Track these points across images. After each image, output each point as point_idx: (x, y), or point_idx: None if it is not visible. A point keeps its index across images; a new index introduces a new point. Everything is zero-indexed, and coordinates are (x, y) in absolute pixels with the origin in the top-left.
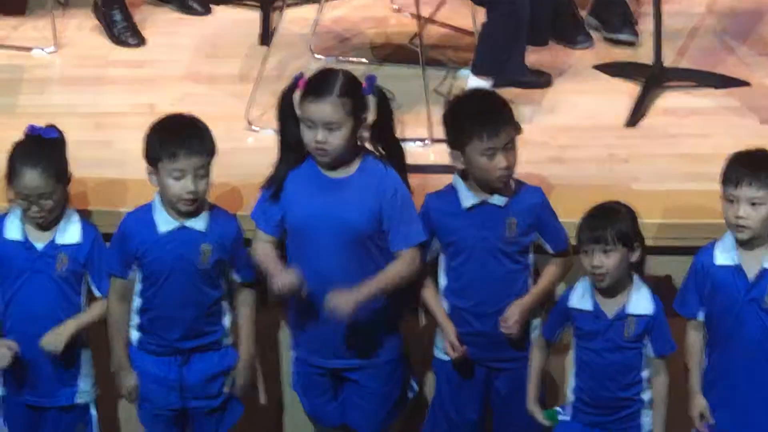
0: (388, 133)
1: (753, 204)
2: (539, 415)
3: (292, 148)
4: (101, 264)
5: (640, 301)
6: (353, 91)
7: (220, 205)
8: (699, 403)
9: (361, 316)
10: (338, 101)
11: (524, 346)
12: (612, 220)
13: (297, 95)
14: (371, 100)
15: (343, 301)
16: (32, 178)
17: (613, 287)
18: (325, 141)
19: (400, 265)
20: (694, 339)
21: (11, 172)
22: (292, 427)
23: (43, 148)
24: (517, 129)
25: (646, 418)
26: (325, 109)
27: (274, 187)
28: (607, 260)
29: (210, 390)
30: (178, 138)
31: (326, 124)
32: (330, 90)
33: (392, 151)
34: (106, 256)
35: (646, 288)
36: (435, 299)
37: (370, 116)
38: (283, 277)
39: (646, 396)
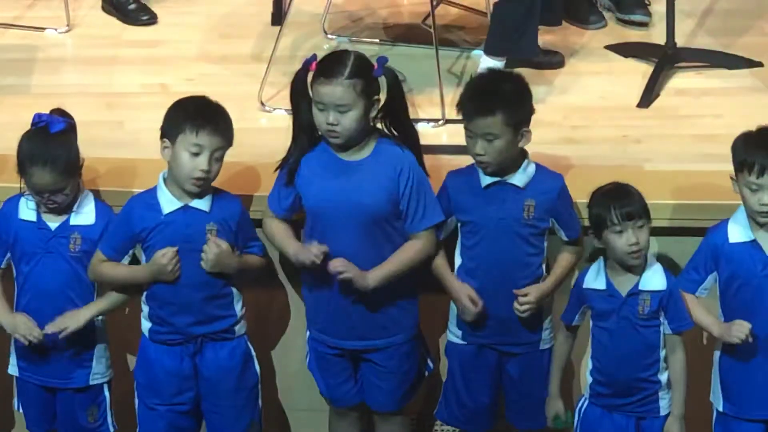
0: (401, 115)
1: None
2: (561, 414)
3: (306, 130)
4: None
5: (653, 278)
6: (364, 72)
7: (233, 185)
8: (727, 329)
9: (378, 296)
10: (349, 83)
11: (536, 331)
12: (634, 196)
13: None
14: (382, 82)
15: (359, 278)
16: (41, 176)
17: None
18: (336, 123)
19: (417, 247)
20: (694, 302)
21: (21, 168)
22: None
23: (51, 144)
24: (515, 122)
25: (664, 400)
26: (336, 90)
27: (287, 170)
28: (641, 235)
29: (224, 384)
30: (204, 114)
31: (337, 106)
32: (341, 71)
33: (406, 132)
34: (104, 236)
35: (658, 264)
36: (445, 266)
37: (383, 98)
38: (307, 252)
39: (663, 377)
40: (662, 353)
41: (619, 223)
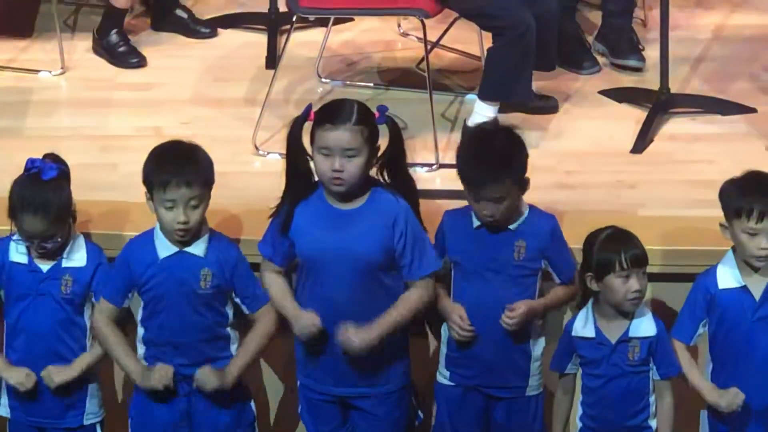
0: (400, 163)
1: None
2: None
3: (301, 180)
4: None
5: (642, 324)
6: (369, 119)
7: (226, 229)
8: (713, 394)
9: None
10: (357, 128)
11: (523, 376)
12: (638, 242)
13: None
14: (383, 130)
15: (357, 337)
16: (32, 223)
17: (613, 312)
18: (342, 169)
19: (414, 297)
20: (687, 356)
21: (12, 213)
22: None
23: (42, 191)
24: (521, 178)
25: None
26: (344, 135)
27: (282, 220)
28: (644, 282)
29: (217, 425)
30: (170, 167)
31: (344, 151)
32: (348, 117)
33: (404, 180)
34: (104, 280)
35: (647, 309)
36: (439, 289)
37: (382, 146)
38: (303, 321)
39: (654, 423)
40: (652, 399)
41: (627, 269)
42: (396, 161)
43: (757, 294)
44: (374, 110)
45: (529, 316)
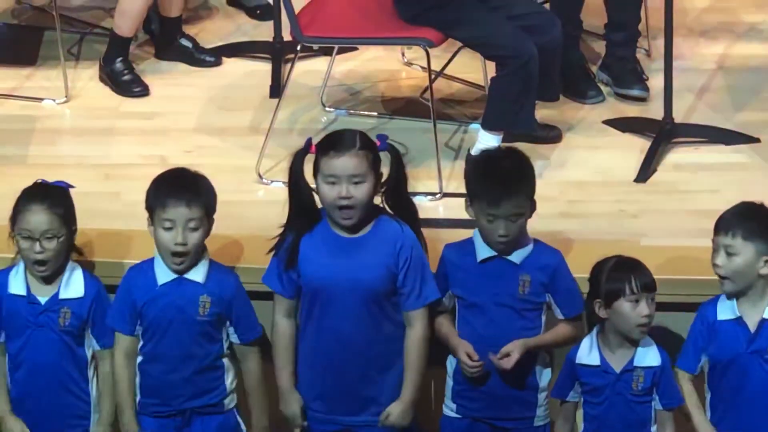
0: (402, 191)
1: (728, 253)
2: None
3: (305, 213)
4: (103, 318)
5: (647, 354)
6: (371, 146)
7: (229, 256)
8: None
9: (376, 373)
10: (362, 153)
11: (530, 407)
12: (646, 269)
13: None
14: (384, 158)
15: (399, 413)
16: (38, 214)
17: (618, 341)
18: (350, 196)
19: (422, 335)
20: (691, 390)
21: (16, 211)
22: None
23: (50, 190)
24: (532, 197)
25: None
26: (351, 162)
27: (288, 254)
28: (653, 308)
29: None
30: (171, 189)
31: (351, 177)
32: (352, 144)
33: (406, 208)
34: (110, 312)
35: (651, 340)
36: (448, 324)
37: (384, 173)
38: (290, 406)
39: None
40: (654, 429)
41: (637, 293)
42: (398, 187)
43: (752, 326)
44: (374, 138)
45: (521, 353)
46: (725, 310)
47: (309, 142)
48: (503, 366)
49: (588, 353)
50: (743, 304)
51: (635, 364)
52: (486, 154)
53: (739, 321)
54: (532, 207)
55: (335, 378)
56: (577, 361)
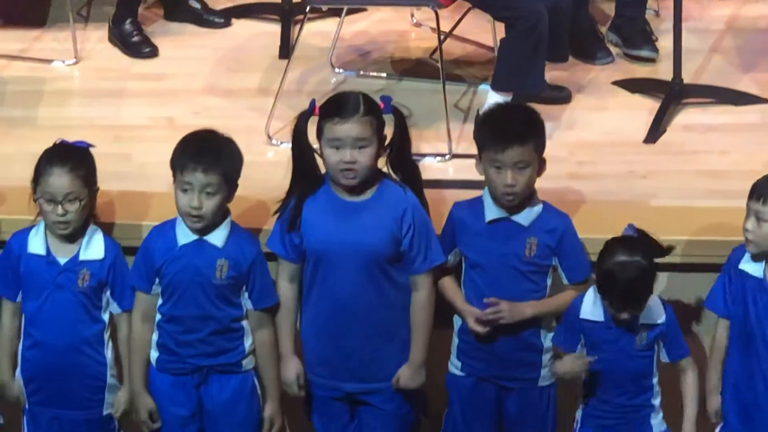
0: (406, 153)
1: (759, 219)
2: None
3: (308, 175)
4: (123, 281)
5: (651, 311)
6: (375, 110)
7: (237, 218)
8: (713, 404)
9: (379, 339)
10: (366, 119)
11: (534, 367)
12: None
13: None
14: (388, 120)
15: (410, 376)
16: (60, 177)
17: None
18: (354, 161)
19: (428, 298)
20: (721, 337)
21: (38, 174)
22: None
23: (72, 152)
24: (541, 151)
25: (656, 420)
26: (355, 127)
27: (291, 217)
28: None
29: (230, 418)
30: (191, 152)
31: (356, 142)
32: (356, 108)
33: (409, 170)
34: (130, 271)
35: (656, 297)
36: (453, 286)
37: (388, 135)
38: (289, 371)
39: (656, 401)
40: (655, 380)
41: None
42: (401, 150)
43: None
44: (378, 101)
45: (512, 317)
46: (748, 263)
47: (313, 103)
48: (485, 319)
49: (592, 308)
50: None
51: (640, 321)
52: (496, 105)
53: (762, 282)
54: (541, 164)
55: (338, 343)
56: (582, 316)
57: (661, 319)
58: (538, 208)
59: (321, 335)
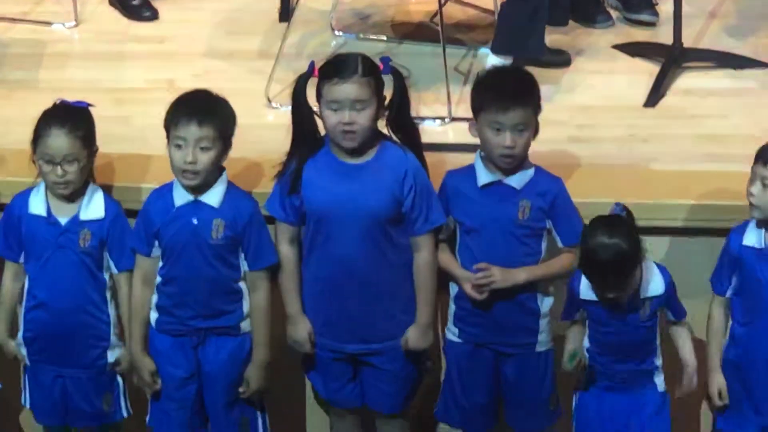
0: (405, 114)
1: (765, 185)
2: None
3: (308, 138)
4: (122, 241)
5: (651, 283)
6: (374, 71)
7: (237, 181)
8: (718, 381)
9: (380, 299)
10: (364, 80)
11: (532, 332)
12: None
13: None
14: (387, 81)
15: (419, 336)
16: (58, 137)
17: None
18: (352, 122)
19: (430, 258)
20: (718, 316)
21: (37, 135)
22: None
23: (71, 112)
24: (537, 114)
25: (659, 379)
26: (353, 88)
27: (291, 179)
28: None
29: (226, 379)
30: (184, 107)
31: (354, 104)
32: (355, 69)
33: (408, 132)
34: (130, 233)
35: (655, 267)
36: (448, 255)
37: (388, 97)
38: (298, 330)
39: (658, 361)
40: (658, 341)
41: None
42: (401, 111)
43: None
44: (378, 62)
45: (504, 282)
46: (752, 237)
47: (312, 65)
48: (473, 280)
49: (590, 289)
50: None
51: (642, 295)
52: (494, 68)
53: (764, 251)
54: (537, 127)
55: (338, 305)
56: (582, 297)
57: (662, 290)
58: (530, 171)
59: (322, 297)
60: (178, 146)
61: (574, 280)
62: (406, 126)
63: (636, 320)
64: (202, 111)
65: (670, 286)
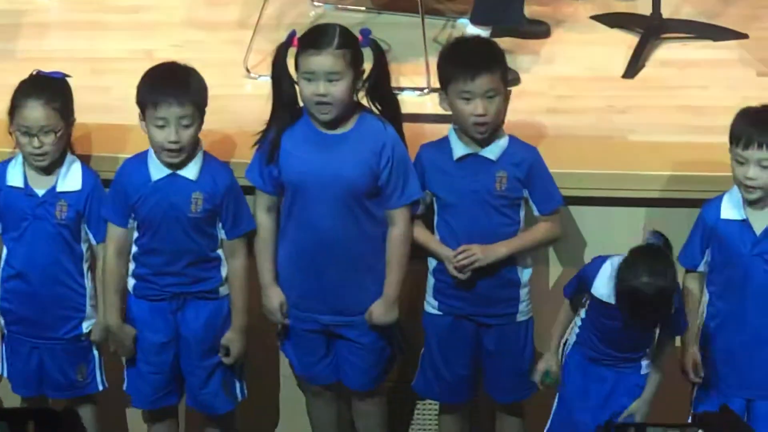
0: (384, 87)
1: (763, 166)
2: (552, 371)
3: (287, 107)
4: (100, 212)
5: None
6: (352, 43)
7: (217, 151)
8: (693, 354)
9: (355, 272)
10: (339, 52)
11: (512, 303)
12: None
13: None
14: (366, 54)
15: (383, 311)
16: (35, 108)
17: None
18: (326, 93)
19: (404, 232)
20: (694, 290)
21: (14, 106)
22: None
23: (48, 83)
24: (506, 82)
25: (645, 361)
26: (327, 60)
27: (269, 148)
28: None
29: (205, 342)
30: (161, 86)
31: (328, 74)
32: (330, 41)
33: (388, 104)
34: (104, 204)
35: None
36: (424, 231)
37: (367, 69)
38: (271, 300)
39: (649, 349)
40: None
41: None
42: (379, 83)
43: (758, 229)
44: (357, 34)
45: (485, 258)
46: (730, 210)
47: (292, 34)
48: (458, 265)
49: (603, 289)
50: (750, 207)
51: None
52: (455, 39)
53: (744, 223)
54: (507, 94)
55: (313, 275)
56: (593, 292)
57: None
58: (504, 141)
59: (298, 267)
60: (160, 126)
61: (591, 270)
62: (385, 98)
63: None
64: (180, 89)
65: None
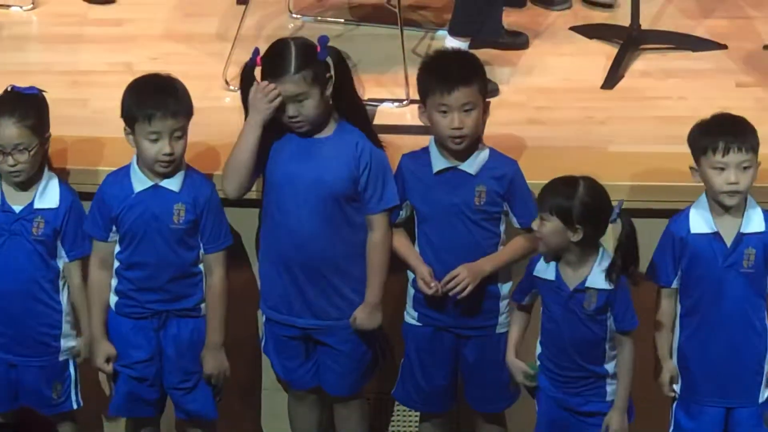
0: (349, 93)
1: (744, 168)
2: (520, 366)
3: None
4: (75, 231)
5: (600, 276)
6: (310, 60)
7: (196, 164)
8: (670, 368)
9: (335, 278)
10: (298, 77)
11: (491, 315)
12: (557, 193)
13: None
14: (329, 62)
15: (366, 316)
16: (7, 126)
17: (576, 259)
18: (296, 114)
19: (383, 238)
20: (667, 307)
21: None
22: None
23: (21, 99)
24: (485, 94)
25: (610, 387)
26: (288, 87)
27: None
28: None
29: (186, 361)
30: (153, 100)
31: (293, 98)
32: (287, 67)
33: (353, 111)
34: (86, 219)
35: (607, 260)
36: (406, 243)
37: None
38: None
39: (610, 367)
40: (608, 345)
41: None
42: (343, 90)
43: (728, 240)
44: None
45: (473, 278)
46: (700, 224)
47: (255, 53)
48: (454, 292)
49: (546, 267)
50: (718, 218)
51: (587, 284)
52: (435, 52)
53: (715, 235)
54: (485, 107)
55: (291, 278)
56: (535, 273)
57: (606, 285)
58: (484, 155)
59: (276, 269)
60: (153, 140)
61: (534, 259)
62: (350, 105)
63: (581, 309)
64: (172, 101)
65: (622, 288)
